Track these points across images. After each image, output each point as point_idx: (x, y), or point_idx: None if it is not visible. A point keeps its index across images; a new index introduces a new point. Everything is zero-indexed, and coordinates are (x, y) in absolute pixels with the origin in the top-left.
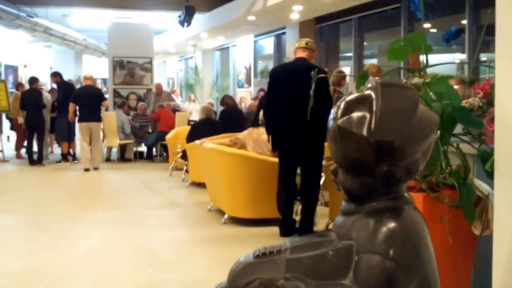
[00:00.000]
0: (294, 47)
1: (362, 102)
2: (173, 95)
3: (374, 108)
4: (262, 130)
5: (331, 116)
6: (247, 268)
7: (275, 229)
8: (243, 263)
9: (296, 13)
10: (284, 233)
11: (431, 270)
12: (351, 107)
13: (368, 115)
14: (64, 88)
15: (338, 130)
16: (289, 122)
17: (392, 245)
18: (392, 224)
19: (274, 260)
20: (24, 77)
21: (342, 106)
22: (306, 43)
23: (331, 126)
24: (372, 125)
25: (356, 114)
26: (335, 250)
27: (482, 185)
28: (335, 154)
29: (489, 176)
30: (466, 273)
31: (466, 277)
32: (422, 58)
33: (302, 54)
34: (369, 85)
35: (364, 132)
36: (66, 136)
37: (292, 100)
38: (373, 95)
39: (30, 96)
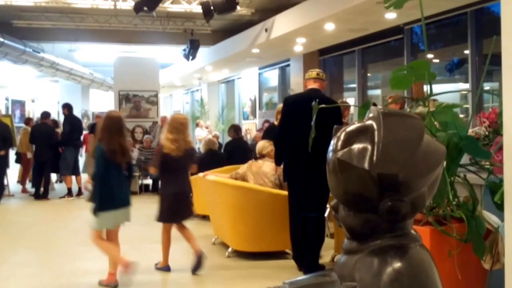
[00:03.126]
0: (304, 78)
1: (363, 132)
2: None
3: (376, 139)
4: (261, 163)
5: (330, 148)
6: None
7: (279, 263)
8: None
9: (299, 46)
10: (300, 266)
11: None
12: (351, 138)
13: (369, 147)
14: (71, 122)
15: (338, 163)
16: (301, 153)
17: (398, 287)
18: (397, 264)
19: None
20: (31, 112)
21: (342, 137)
22: (317, 74)
23: (330, 159)
24: (374, 157)
25: (356, 146)
26: None
27: (491, 218)
28: (335, 189)
29: (499, 208)
30: None
31: None
32: (426, 87)
33: (314, 84)
34: (371, 115)
35: (366, 165)
36: (71, 170)
37: (305, 131)
38: (375, 125)
39: (41, 131)
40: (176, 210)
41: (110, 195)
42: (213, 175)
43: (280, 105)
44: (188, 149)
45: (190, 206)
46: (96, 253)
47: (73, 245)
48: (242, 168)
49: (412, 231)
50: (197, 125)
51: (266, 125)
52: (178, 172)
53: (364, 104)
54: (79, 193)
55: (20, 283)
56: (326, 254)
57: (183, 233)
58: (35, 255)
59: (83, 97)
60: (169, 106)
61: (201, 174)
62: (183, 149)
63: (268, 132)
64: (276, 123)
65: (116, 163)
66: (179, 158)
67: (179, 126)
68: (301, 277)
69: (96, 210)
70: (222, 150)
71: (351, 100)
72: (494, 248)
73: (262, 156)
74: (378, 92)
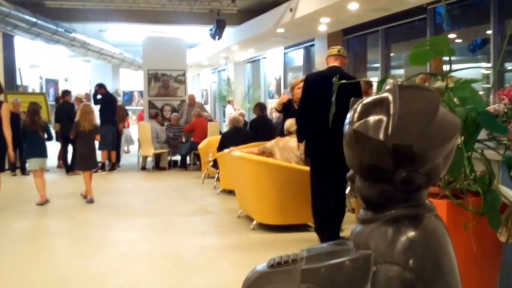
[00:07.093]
0: (326, 55)
1: (379, 104)
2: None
3: (392, 111)
4: (288, 139)
5: (347, 120)
6: (261, 277)
7: (303, 235)
8: (258, 273)
9: (324, 25)
10: (322, 238)
11: (454, 281)
12: (367, 110)
13: (385, 119)
14: (109, 100)
15: (354, 134)
16: (322, 129)
17: (412, 255)
18: (411, 233)
19: (289, 270)
20: None
21: (358, 109)
22: (338, 50)
23: (347, 131)
24: (389, 129)
25: (372, 118)
26: (352, 260)
27: (507, 192)
28: (351, 160)
29: None
30: (491, 281)
31: (491, 285)
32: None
33: (334, 62)
34: (387, 87)
35: (381, 136)
36: (109, 145)
37: (325, 108)
38: (391, 97)
39: (62, 109)
40: (85, 163)
41: (27, 150)
42: (238, 151)
43: (294, 80)
44: (93, 125)
45: (94, 160)
46: (125, 224)
47: (102, 217)
48: (270, 143)
49: (427, 202)
50: (229, 102)
51: None
52: (86, 140)
53: (382, 79)
54: (112, 167)
55: (50, 255)
56: (347, 228)
57: (86, 178)
58: (63, 228)
59: (114, 76)
60: (197, 85)
61: (226, 150)
62: (91, 126)
63: (286, 109)
64: (292, 98)
65: (32, 130)
66: (87, 131)
67: (87, 111)
68: (319, 245)
69: (24, 159)
70: (248, 128)
71: (374, 79)
72: (510, 222)
73: (289, 133)
74: (401, 71)
